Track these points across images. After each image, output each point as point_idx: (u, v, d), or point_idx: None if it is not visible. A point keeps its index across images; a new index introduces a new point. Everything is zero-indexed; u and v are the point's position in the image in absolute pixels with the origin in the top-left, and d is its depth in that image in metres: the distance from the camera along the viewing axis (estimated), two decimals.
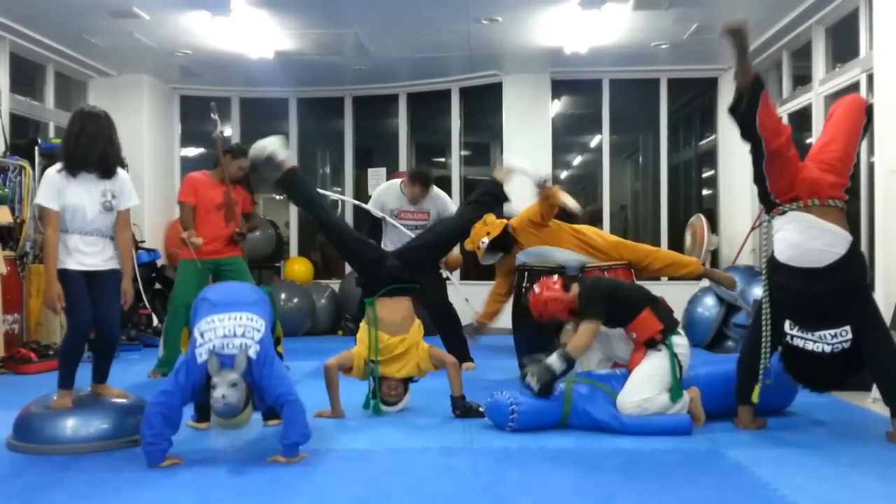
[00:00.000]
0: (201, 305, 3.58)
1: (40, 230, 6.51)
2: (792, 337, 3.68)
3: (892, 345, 3.70)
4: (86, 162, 3.71)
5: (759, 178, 3.73)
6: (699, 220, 8.24)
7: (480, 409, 4.16)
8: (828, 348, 3.62)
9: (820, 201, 3.61)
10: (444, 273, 6.30)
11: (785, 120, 7.56)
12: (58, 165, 3.76)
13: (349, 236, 4.66)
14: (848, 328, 3.59)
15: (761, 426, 3.91)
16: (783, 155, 3.62)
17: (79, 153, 3.70)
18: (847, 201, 3.70)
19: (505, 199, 5.03)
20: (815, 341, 3.63)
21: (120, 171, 3.86)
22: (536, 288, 4.26)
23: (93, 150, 3.71)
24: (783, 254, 3.67)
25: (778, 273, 3.70)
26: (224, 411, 3.25)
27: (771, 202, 3.73)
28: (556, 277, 4.30)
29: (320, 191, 5.83)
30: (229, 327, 3.37)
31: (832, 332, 3.60)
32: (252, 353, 3.33)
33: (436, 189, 6.24)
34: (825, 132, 3.89)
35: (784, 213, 3.67)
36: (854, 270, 3.63)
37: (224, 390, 3.21)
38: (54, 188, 3.69)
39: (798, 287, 3.62)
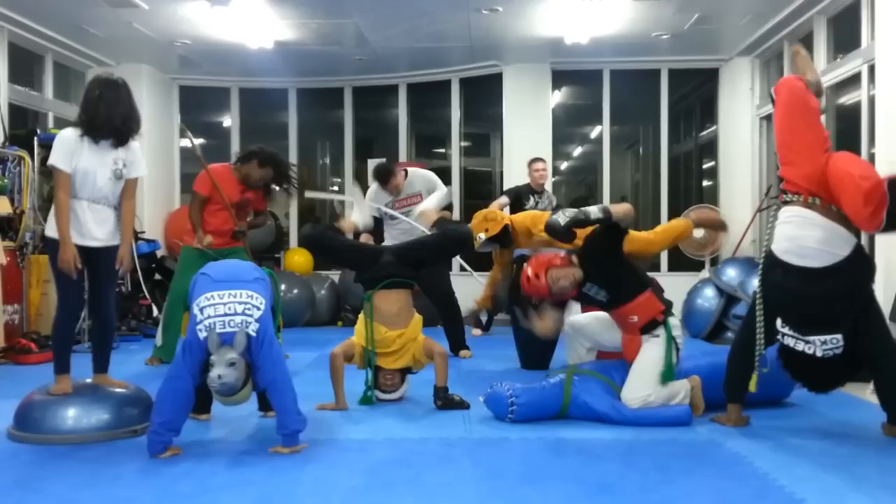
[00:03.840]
0: (200, 280, 3.52)
1: (40, 220, 6.54)
2: (783, 335, 3.54)
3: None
4: (104, 129, 3.71)
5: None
6: (716, 214, 8.21)
7: (464, 402, 4.17)
8: (819, 352, 3.43)
9: (822, 202, 3.40)
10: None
11: None
12: (74, 129, 3.74)
13: (348, 248, 4.69)
14: (839, 336, 3.39)
15: (746, 423, 3.81)
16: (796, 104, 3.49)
17: (98, 120, 3.69)
18: None
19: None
20: (805, 342, 3.47)
21: (132, 140, 3.85)
22: (534, 269, 3.96)
23: (112, 116, 3.70)
24: (780, 246, 3.50)
25: (772, 270, 3.53)
26: (221, 391, 3.22)
27: (781, 185, 3.59)
28: (561, 254, 4.05)
29: (337, 196, 5.96)
30: (230, 304, 3.33)
31: (822, 338, 3.41)
32: (251, 330, 3.29)
33: (412, 170, 6.43)
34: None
35: (787, 202, 3.51)
36: (855, 276, 3.42)
37: (221, 370, 3.17)
38: (68, 150, 3.68)
39: (790, 287, 3.45)
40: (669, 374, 3.90)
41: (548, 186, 7.64)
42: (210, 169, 5.60)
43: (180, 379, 3.27)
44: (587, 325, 4.31)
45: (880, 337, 3.50)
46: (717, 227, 5.82)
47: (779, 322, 3.55)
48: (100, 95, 3.71)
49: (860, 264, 3.46)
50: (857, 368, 3.59)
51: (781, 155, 3.59)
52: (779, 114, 3.60)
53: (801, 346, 3.49)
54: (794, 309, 3.50)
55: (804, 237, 3.42)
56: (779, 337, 3.58)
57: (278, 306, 3.91)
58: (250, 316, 3.32)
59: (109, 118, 3.70)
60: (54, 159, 3.69)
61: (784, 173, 3.55)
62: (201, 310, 3.34)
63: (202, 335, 3.27)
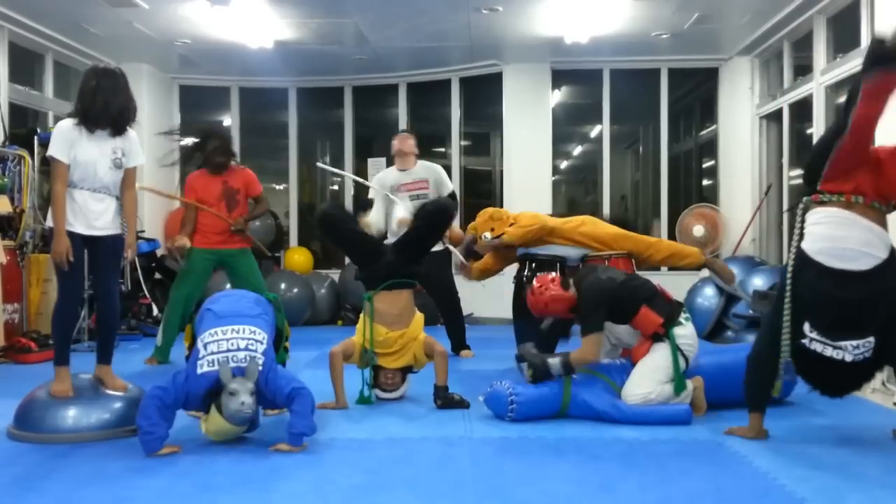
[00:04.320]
0: (206, 316, 3.61)
1: (40, 220, 6.53)
2: (811, 340, 3.34)
3: None
4: (101, 118, 3.70)
5: (819, 153, 3.41)
6: (716, 212, 8.22)
7: (464, 401, 4.18)
8: (849, 357, 3.26)
9: (865, 200, 3.26)
10: (449, 247, 6.34)
11: (786, 111, 7.56)
12: (71, 120, 3.73)
13: (351, 235, 4.62)
14: (872, 339, 3.25)
15: (767, 436, 3.58)
16: (864, 138, 3.26)
17: (95, 110, 3.68)
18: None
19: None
20: (835, 348, 3.27)
21: (129, 129, 3.85)
22: (535, 285, 4.21)
23: (109, 106, 3.69)
24: (814, 246, 3.31)
25: (805, 270, 3.32)
26: (243, 419, 3.29)
27: (814, 183, 3.40)
28: (554, 275, 4.31)
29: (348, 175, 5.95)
30: (233, 341, 3.41)
31: (854, 342, 3.24)
32: (259, 364, 3.38)
33: (426, 162, 6.33)
34: None
35: (823, 203, 3.35)
36: (891, 279, 3.26)
37: (245, 398, 3.23)
38: (67, 141, 3.67)
39: (825, 289, 3.26)
40: (680, 384, 3.90)
41: (547, 188, 7.63)
42: (187, 179, 5.85)
43: (166, 393, 3.32)
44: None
45: None
46: (727, 278, 5.77)
47: (806, 327, 3.34)
48: (97, 85, 3.70)
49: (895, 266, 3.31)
50: (876, 371, 3.49)
51: (841, 166, 3.33)
52: (861, 130, 3.26)
53: (829, 352, 3.30)
54: (827, 312, 3.31)
55: (845, 238, 3.27)
56: (804, 342, 3.36)
57: (284, 326, 3.99)
58: (254, 351, 3.40)
59: (106, 108, 3.69)
60: (52, 150, 3.68)
61: (832, 178, 3.36)
62: (205, 346, 3.41)
63: (202, 370, 3.33)
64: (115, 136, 3.77)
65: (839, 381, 3.46)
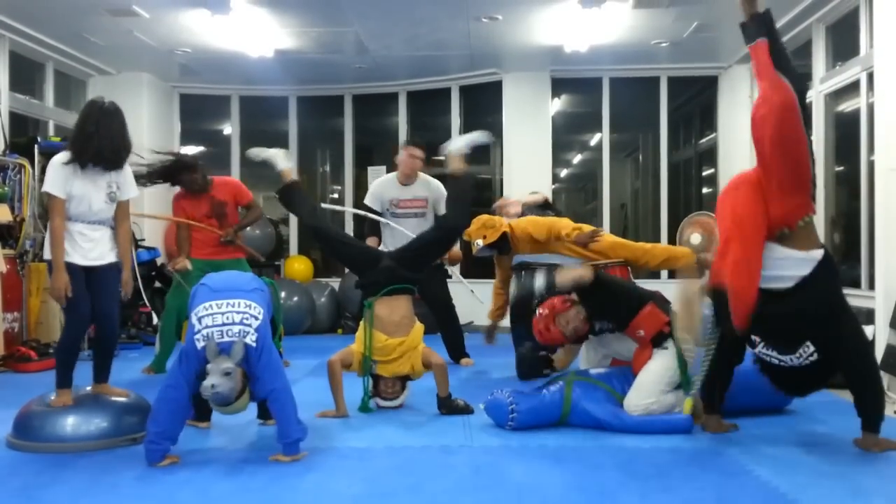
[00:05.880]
0: (200, 291, 3.56)
1: (40, 228, 6.54)
2: (759, 352, 3.60)
3: (871, 359, 3.59)
4: (97, 158, 3.71)
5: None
6: (712, 220, 8.21)
7: (468, 406, 4.19)
8: (796, 362, 3.49)
9: (790, 229, 3.45)
10: (447, 268, 6.34)
11: None
12: (65, 156, 3.73)
13: (344, 242, 4.68)
14: (809, 343, 3.42)
15: (732, 429, 3.82)
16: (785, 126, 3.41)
17: (89, 150, 3.69)
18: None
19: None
20: (779, 358, 3.53)
21: (125, 164, 3.87)
22: (542, 322, 4.08)
23: (106, 148, 3.71)
24: None
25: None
26: (214, 400, 3.22)
27: None
28: (566, 298, 4.12)
29: (325, 205, 5.94)
30: (228, 314, 3.35)
31: (796, 354, 3.46)
32: (250, 340, 3.31)
33: (427, 177, 6.29)
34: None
35: None
36: (820, 290, 3.44)
37: (215, 379, 3.16)
38: (61, 177, 3.68)
39: (759, 306, 3.44)
40: (687, 384, 3.89)
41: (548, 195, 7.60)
42: (174, 201, 5.78)
43: (177, 388, 3.27)
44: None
45: (852, 346, 3.46)
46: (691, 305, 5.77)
47: (756, 339, 3.57)
48: (95, 125, 3.70)
49: (825, 278, 3.45)
50: (833, 371, 3.59)
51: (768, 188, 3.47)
52: (772, 130, 3.45)
53: (775, 361, 3.55)
54: (763, 326, 3.50)
55: (766, 270, 3.44)
56: (757, 350, 3.61)
57: (279, 316, 3.92)
58: (248, 325, 3.34)
59: (100, 149, 3.70)
60: (48, 186, 3.70)
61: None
62: (199, 319, 3.36)
63: (199, 344, 3.28)
64: (108, 171, 3.78)
65: (799, 382, 3.63)
